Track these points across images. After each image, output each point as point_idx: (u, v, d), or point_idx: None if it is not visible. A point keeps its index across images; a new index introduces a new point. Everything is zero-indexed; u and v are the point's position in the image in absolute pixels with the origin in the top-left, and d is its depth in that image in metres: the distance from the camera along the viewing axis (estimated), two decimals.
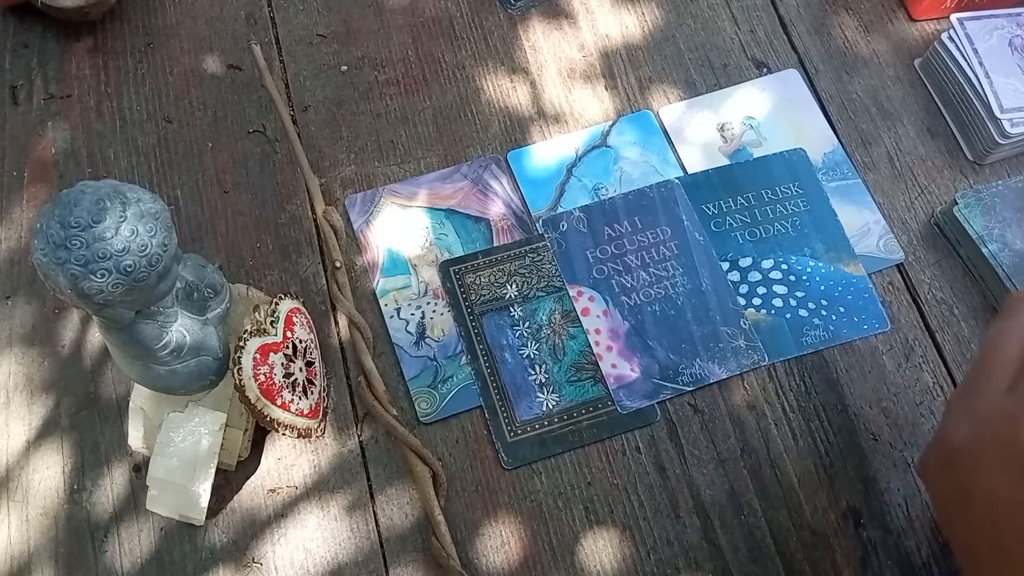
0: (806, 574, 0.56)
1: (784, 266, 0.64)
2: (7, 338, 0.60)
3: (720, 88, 0.70)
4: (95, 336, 0.60)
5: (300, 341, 0.55)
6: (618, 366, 0.60)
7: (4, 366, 0.59)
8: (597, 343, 0.61)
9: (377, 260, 0.63)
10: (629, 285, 0.63)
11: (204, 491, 0.52)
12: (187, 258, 0.52)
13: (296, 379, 0.54)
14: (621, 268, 0.63)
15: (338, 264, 0.60)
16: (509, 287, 0.62)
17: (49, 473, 0.56)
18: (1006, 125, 0.65)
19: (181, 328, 0.50)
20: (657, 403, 0.59)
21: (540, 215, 0.65)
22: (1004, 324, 0.49)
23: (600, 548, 0.56)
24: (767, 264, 0.64)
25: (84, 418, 0.58)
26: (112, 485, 0.56)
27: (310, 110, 0.68)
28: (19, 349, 0.59)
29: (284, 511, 0.56)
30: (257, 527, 0.55)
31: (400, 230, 0.64)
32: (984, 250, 0.62)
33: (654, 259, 0.63)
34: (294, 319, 0.55)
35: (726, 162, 0.67)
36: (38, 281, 0.61)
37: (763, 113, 0.69)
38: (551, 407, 0.59)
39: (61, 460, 0.57)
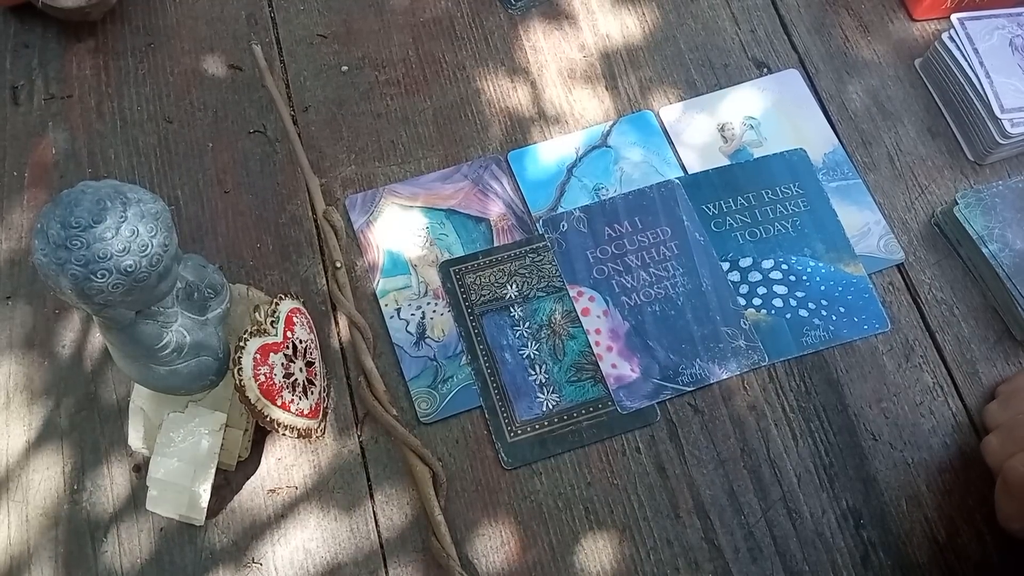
0: (806, 574, 0.56)
1: (784, 266, 0.64)
2: (7, 338, 0.60)
3: (720, 88, 0.70)
4: (96, 336, 0.60)
5: (300, 341, 0.55)
6: (618, 366, 0.60)
7: (4, 366, 0.59)
8: (597, 343, 0.61)
9: (377, 260, 0.63)
10: (629, 285, 0.63)
11: (204, 491, 0.52)
12: (187, 258, 0.52)
13: (296, 379, 0.54)
14: (621, 268, 0.63)
15: (338, 264, 0.60)
16: (509, 287, 0.62)
17: (49, 473, 0.56)
18: (1006, 125, 0.65)
19: (181, 328, 0.50)
20: (657, 403, 0.59)
21: (540, 215, 0.65)
22: None
23: (600, 548, 0.56)
24: (767, 264, 0.64)
25: (84, 418, 0.58)
26: (112, 485, 0.56)
27: (310, 110, 0.68)
28: (19, 349, 0.59)
29: (284, 511, 0.56)
30: (257, 527, 0.55)
31: (400, 230, 0.64)
32: (984, 250, 0.62)
33: (654, 259, 0.63)
34: (294, 319, 0.55)
35: (726, 162, 0.67)
36: (39, 281, 0.61)
37: (763, 113, 0.69)
38: (551, 407, 0.59)
39: (61, 460, 0.57)
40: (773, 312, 0.62)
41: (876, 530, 0.57)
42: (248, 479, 0.56)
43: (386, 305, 0.62)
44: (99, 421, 0.58)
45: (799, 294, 0.63)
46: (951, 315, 0.63)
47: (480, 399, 0.59)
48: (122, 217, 0.43)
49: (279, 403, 0.52)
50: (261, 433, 0.57)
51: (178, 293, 0.50)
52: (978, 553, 0.57)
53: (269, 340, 0.53)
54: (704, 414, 0.60)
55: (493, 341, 0.60)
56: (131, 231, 0.43)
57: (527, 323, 0.61)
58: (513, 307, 0.62)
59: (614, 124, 0.69)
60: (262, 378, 0.51)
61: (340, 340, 0.61)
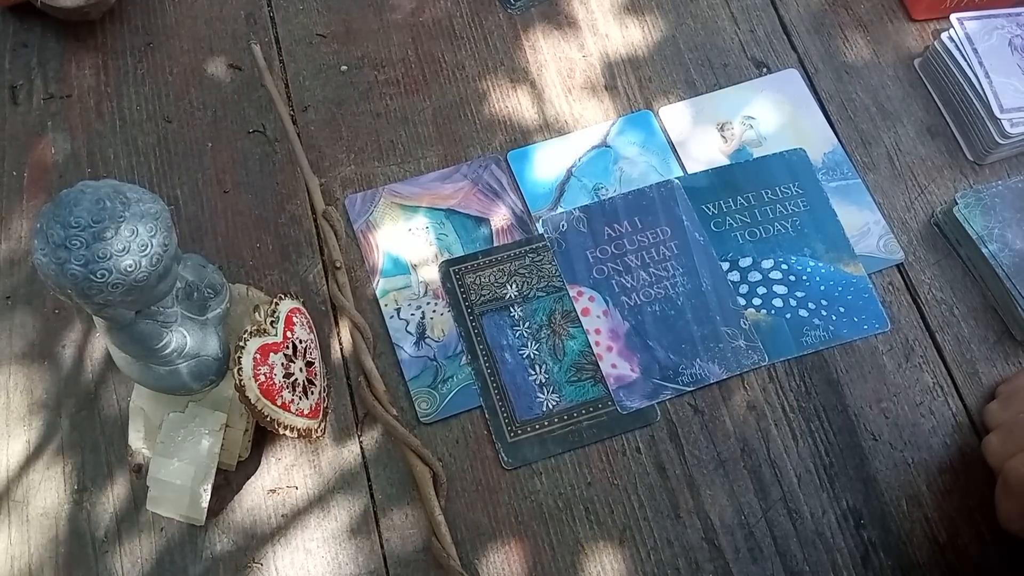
0: (806, 574, 0.56)
1: (784, 266, 0.64)
2: (7, 338, 0.60)
3: (720, 88, 0.70)
4: (96, 337, 0.60)
5: (300, 341, 0.55)
6: (618, 366, 0.60)
7: (4, 367, 0.59)
8: (597, 343, 0.61)
9: (377, 260, 0.63)
10: (629, 285, 0.63)
11: (204, 491, 0.52)
12: (187, 258, 0.52)
13: (296, 379, 0.54)
14: (621, 268, 0.63)
15: (338, 264, 0.60)
16: (509, 287, 0.62)
17: (49, 473, 0.56)
18: (1006, 125, 0.65)
19: (181, 328, 0.50)
20: (657, 403, 0.59)
21: (540, 215, 0.65)
22: None
23: (600, 548, 0.56)
24: (767, 264, 0.64)
25: (84, 418, 0.58)
26: (112, 485, 0.56)
27: (310, 110, 0.68)
28: (19, 350, 0.59)
29: (284, 511, 0.56)
30: (257, 527, 0.55)
31: (400, 230, 0.64)
32: (984, 250, 0.62)
33: (654, 259, 0.63)
34: (294, 319, 0.55)
35: (726, 162, 0.67)
36: (38, 282, 0.61)
37: (763, 113, 0.69)
38: (551, 407, 0.59)
39: (61, 460, 0.57)
40: (773, 312, 0.62)
41: (876, 530, 0.57)
42: (248, 479, 0.56)
43: (386, 305, 0.62)
44: (99, 421, 0.58)
45: (799, 294, 0.63)
46: (951, 315, 0.63)
47: (480, 399, 0.59)
48: (121, 217, 0.43)
49: (279, 403, 0.52)
50: (261, 433, 0.57)
51: (178, 293, 0.50)
52: (978, 553, 0.57)
53: (269, 340, 0.53)
54: (704, 414, 0.60)
55: (493, 341, 0.60)
56: (131, 231, 0.43)
57: (527, 323, 0.61)
58: (513, 307, 0.62)
59: (613, 124, 0.69)
60: (262, 378, 0.51)
61: (340, 340, 0.61)
